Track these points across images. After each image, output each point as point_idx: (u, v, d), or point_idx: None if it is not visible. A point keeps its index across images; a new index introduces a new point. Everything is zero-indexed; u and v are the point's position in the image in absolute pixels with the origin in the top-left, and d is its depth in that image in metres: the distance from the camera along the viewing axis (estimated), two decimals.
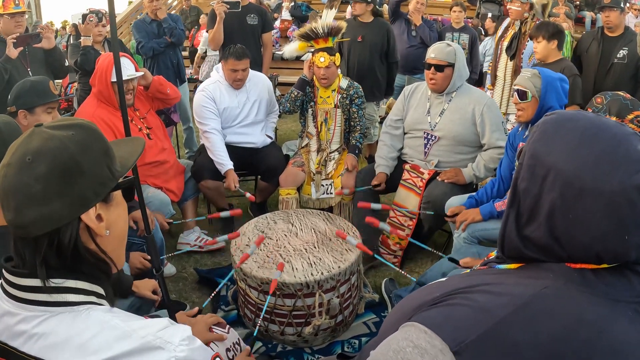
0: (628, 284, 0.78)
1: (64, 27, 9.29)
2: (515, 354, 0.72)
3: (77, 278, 0.90)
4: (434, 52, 2.93)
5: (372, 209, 2.74)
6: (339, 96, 3.42)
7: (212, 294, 2.38)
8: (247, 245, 2.51)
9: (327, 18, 3.33)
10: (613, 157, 0.76)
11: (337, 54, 3.32)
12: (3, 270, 0.91)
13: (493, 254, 1.03)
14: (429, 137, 3.06)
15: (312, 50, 3.37)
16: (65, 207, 0.86)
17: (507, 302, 0.76)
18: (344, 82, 3.43)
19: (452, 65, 2.91)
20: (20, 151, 0.87)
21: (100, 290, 0.94)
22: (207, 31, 4.53)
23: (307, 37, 3.36)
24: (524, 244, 0.85)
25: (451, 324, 0.76)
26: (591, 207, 0.76)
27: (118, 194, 0.97)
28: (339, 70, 3.45)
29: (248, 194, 2.91)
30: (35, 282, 0.87)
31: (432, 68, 2.92)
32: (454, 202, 2.80)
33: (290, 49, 3.72)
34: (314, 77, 3.42)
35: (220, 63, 3.53)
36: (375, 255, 2.43)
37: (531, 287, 0.79)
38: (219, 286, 2.45)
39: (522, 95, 2.50)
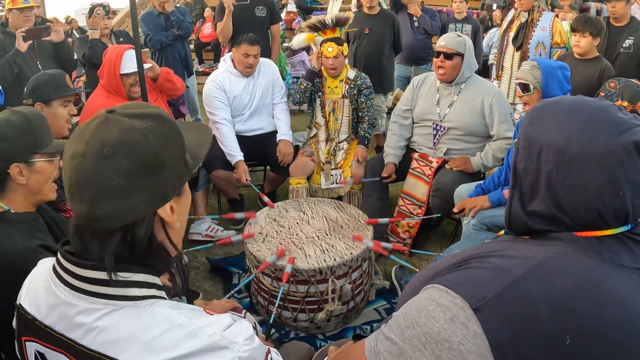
0: (630, 252, 0.85)
1: (67, 23, 9.30)
2: (532, 308, 0.78)
3: (144, 271, 0.88)
4: (444, 41, 2.96)
5: (380, 223, 2.77)
6: (347, 86, 3.44)
7: (231, 293, 2.41)
8: (260, 233, 2.54)
9: (333, 9, 3.35)
10: (596, 124, 0.85)
11: (345, 44, 3.34)
12: (61, 258, 0.89)
13: (502, 232, 1.10)
14: (438, 127, 3.09)
15: (321, 40, 3.39)
16: (144, 202, 0.84)
17: (522, 263, 0.83)
18: (351, 73, 3.46)
19: (461, 55, 2.93)
20: (96, 141, 0.82)
21: (159, 282, 0.92)
22: (215, 24, 4.53)
23: (315, 29, 3.39)
24: (531, 219, 0.92)
25: (471, 284, 0.83)
26: (584, 169, 0.84)
27: (186, 184, 0.95)
28: (347, 60, 3.47)
29: (266, 198, 2.88)
30: (101, 275, 0.84)
31: (441, 55, 2.94)
32: (462, 191, 2.83)
33: (298, 40, 3.75)
34: (322, 68, 3.44)
35: (227, 53, 3.55)
36: (392, 257, 2.46)
37: (543, 251, 0.86)
38: (238, 287, 2.48)
39: (524, 87, 2.55)
